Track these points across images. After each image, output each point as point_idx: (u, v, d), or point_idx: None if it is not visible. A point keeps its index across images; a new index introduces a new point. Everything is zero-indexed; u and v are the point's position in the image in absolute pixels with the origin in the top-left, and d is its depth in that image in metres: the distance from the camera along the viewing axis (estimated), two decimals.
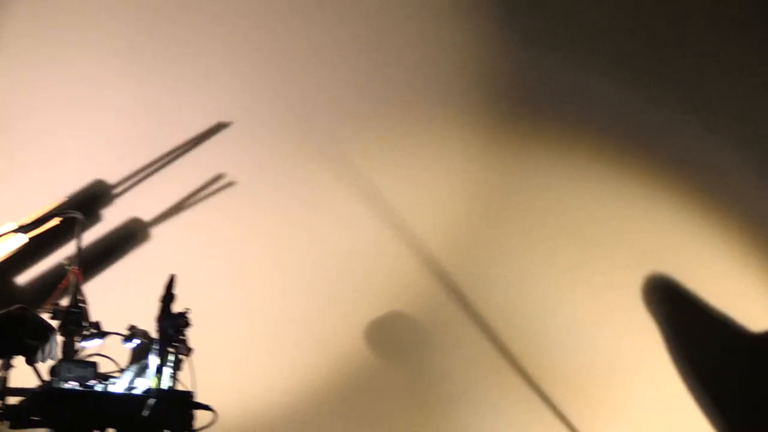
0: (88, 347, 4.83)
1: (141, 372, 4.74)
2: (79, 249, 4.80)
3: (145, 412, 4.50)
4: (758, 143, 5.52)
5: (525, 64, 5.39)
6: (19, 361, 4.55)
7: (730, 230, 5.41)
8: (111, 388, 4.71)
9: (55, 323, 4.72)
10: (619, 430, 5.17)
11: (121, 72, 5.53)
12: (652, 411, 5.21)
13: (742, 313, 5.28)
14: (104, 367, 4.80)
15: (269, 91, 5.46)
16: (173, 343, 4.67)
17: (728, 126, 5.49)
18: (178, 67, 5.52)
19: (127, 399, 4.63)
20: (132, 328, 4.84)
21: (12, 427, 4.50)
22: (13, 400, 4.55)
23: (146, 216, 5.48)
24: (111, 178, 5.51)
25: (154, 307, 4.65)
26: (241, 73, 5.52)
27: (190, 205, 5.47)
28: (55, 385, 4.62)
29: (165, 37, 5.53)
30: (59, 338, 4.68)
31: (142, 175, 5.46)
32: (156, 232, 5.48)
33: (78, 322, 4.78)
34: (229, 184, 5.38)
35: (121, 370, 4.81)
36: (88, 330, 4.83)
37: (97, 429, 4.57)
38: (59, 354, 4.67)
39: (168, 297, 4.68)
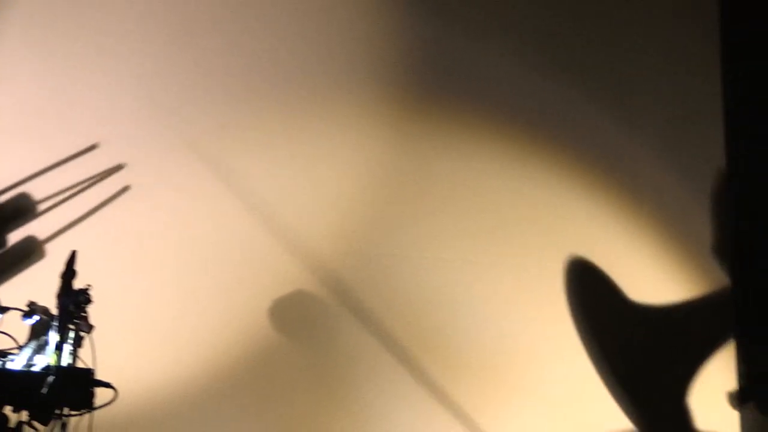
0: None
1: (40, 349, 4.66)
2: None
3: (44, 390, 4.42)
4: (670, 135, 5.56)
5: (429, 43, 5.39)
6: None
7: (641, 219, 5.47)
8: (9, 365, 4.62)
9: None
10: (528, 413, 5.23)
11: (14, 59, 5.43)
12: (561, 393, 5.28)
13: (650, 297, 5.34)
14: (2, 343, 4.73)
15: (152, 78, 5.38)
16: (74, 320, 4.59)
17: (642, 117, 5.54)
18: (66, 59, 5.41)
19: (26, 376, 4.55)
20: (31, 304, 4.75)
21: None
22: None
23: (43, 194, 5.39)
24: (7, 157, 5.41)
25: (55, 284, 4.58)
26: (130, 62, 5.43)
27: (86, 188, 5.38)
28: None
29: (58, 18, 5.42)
30: None
31: (38, 157, 5.37)
32: (55, 209, 5.40)
33: None
34: (120, 168, 5.31)
35: (20, 347, 4.72)
36: None
37: None
38: None
39: (69, 273, 4.60)
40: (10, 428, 4.46)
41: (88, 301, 4.62)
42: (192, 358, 5.20)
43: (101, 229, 5.38)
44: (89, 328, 4.63)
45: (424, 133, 5.29)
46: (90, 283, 4.56)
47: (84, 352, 4.62)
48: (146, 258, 5.31)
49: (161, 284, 5.19)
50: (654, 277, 5.41)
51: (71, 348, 4.59)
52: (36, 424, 4.44)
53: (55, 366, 4.52)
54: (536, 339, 5.25)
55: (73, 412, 4.52)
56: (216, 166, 5.23)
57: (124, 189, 5.28)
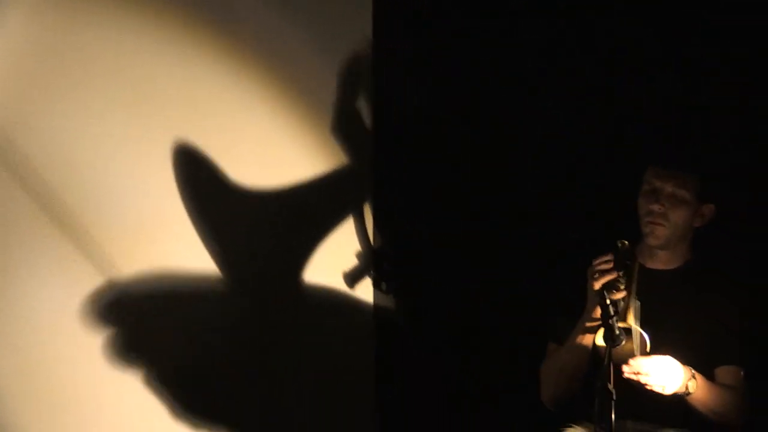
0: None
1: None
2: None
3: None
4: (314, 12, 5.26)
5: None
6: None
7: (260, 77, 5.20)
8: None
9: None
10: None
11: None
12: (189, 261, 5.10)
13: (276, 166, 5.21)
14: None
15: None
16: None
17: None
18: None
19: None
20: None
21: None
22: None
23: None
24: None
25: None
26: None
27: None
28: None
29: None
30: None
31: None
32: None
33: None
34: None
35: None
36: None
37: None
38: None
39: None
40: None
41: None
42: None
43: None
44: None
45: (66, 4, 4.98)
46: None
47: None
48: None
49: None
50: (289, 153, 5.23)
51: None
52: None
53: None
54: (171, 216, 5.09)
55: None
56: None
57: None
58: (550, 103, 5.16)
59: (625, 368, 3.97)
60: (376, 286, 5.27)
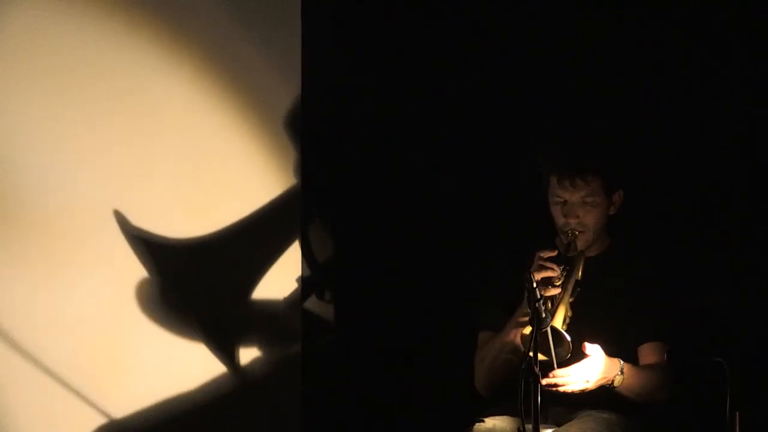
0: None
1: None
2: None
3: None
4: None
5: None
6: None
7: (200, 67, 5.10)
8: None
9: None
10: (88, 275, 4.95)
11: None
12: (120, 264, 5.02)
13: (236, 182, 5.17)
14: None
15: None
16: None
17: None
18: None
19: None
20: None
21: None
22: None
23: None
24: None
25: None
26: None
27: None
28: None
29: None
30: None
31: None
32: None
33: None
34: None
35: None
36: None
37: None
38: None
39: None
40: None
41: None
42: None
43: None
44: None
45: None
46: None
47: None
48: None
49: None
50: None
51: None
52: None
53: None
54: (108, 201, 5.02)
55: None
56: None
57: None
58: (476, 93, 5.18)
59: (543, 381, 3.94)
60: (319, 297, 5.25)
